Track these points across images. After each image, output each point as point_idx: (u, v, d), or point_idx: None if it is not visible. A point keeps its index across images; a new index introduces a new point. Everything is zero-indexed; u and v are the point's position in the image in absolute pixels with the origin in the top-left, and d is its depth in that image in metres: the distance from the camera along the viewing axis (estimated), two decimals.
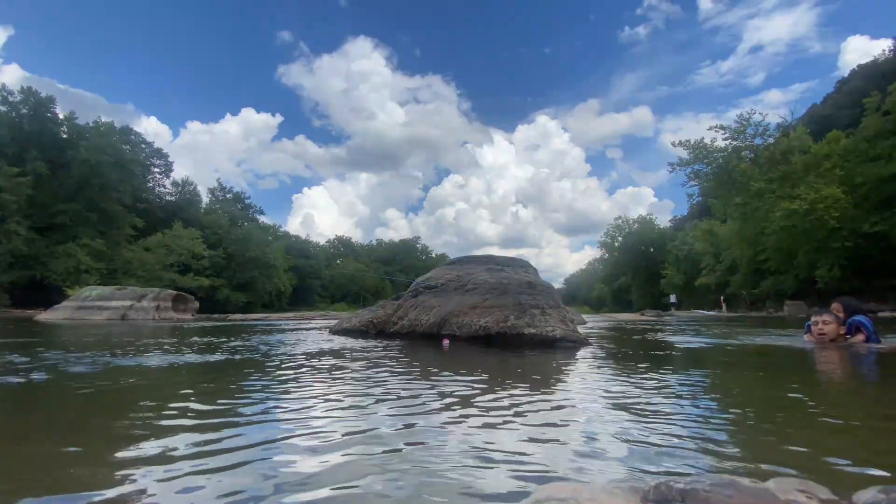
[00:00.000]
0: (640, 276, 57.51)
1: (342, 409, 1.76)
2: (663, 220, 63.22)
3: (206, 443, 1.28)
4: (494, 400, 1.86)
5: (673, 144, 26.33)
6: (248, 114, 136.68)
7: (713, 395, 2.04)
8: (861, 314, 4.06)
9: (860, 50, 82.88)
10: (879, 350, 3.64)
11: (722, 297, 31.86)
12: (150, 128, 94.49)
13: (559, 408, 1.75)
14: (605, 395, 2.01)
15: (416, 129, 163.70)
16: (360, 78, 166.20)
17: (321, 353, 3.81)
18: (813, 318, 4.14)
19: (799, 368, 3.09)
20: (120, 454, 1.19)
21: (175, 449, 1.23)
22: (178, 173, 50.68)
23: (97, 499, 0.91)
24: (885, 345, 3.86)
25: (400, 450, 1.21)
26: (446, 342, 4.55)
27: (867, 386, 2.43)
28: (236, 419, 1.58)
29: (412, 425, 1.47)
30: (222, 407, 1.79)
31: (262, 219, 60.15)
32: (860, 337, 3.94)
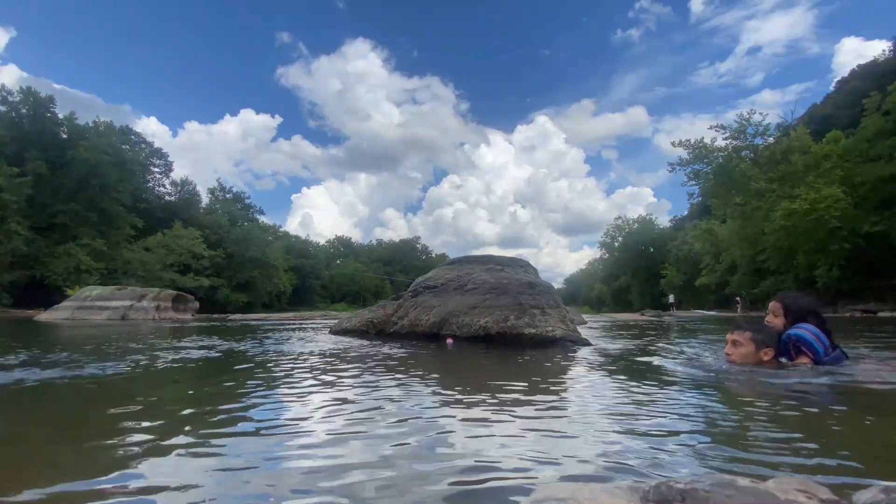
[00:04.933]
0: (640, 276, 57.51)
1: (341, 409, 1.76)
2: (661, 221, 63.29)
3: (205, 441, 1.29)
4: (494, 400, 1.86)
5: (673, 144, 26.34)
6: (247, 114, 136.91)
7: (713, 395, 2.04)
8: (808, 319, 2.63)
9: (855, 51, 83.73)
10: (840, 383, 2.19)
11: (737, 297, 31.08)
12: (147, 128, 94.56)
13: (558, 407, 1.75)
14: (605, 394, 2.01)
15: (414, 129, 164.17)
16: (359, 79, 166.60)
17: (321, 353, 3.81)
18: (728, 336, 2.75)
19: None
20: (116, 457, 1.19)
21: (174, 449, 1.23)
22: (177, 173, 50.60)
23: (97, 499, 0.91)
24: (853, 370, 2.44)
25: (399, 450, 1.21)
26: (451, 341, 4.57)
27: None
28: (235, 420, 1.58)
29: (411, 425, 1.47)
30: (221, 407, 1.79)
31: (262, 219, 60.15)
32: (802, 362, 2.51)
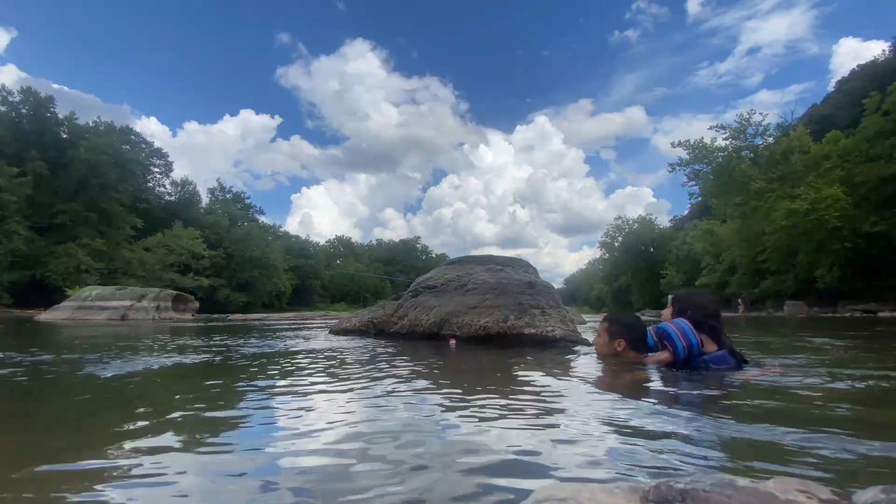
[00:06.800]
0: (640, 276, 57.57)
1: (341, 409, 1.76)
2: (661, 221, 63.38)
3: (204, 441, 1.28)
4: (493, 400, 1.86)
5: (672, 144, 26.39)
6: (246, 115, 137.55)
7: (713, 394, 2.04)
8: (693, 315, 2.59)
9: (852, 52, 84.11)
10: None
11: (741, 298, 30.55)
12: (147, 128, 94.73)
13: (557, 407, 1.75)
14: (605, 394, 2.01)
15: (413, 130, 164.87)
16: (358, 80, 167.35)
17: (321, 353, 3.80)
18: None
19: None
20: (115, 456, 1.19)
21: (173, 450, 1.23)
22: (177, 173, 50.67)
23: (99, 498, 0.91)
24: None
25: (398, 449, 1.20)
26: (453, 342, 4.57)
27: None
28: (234, 421, 1.58)
29: (410, 425, 1.47)
30: (221, 407, 1.79)
31: (262, 219, 60.26)
32: (661, 356, 2.51)
